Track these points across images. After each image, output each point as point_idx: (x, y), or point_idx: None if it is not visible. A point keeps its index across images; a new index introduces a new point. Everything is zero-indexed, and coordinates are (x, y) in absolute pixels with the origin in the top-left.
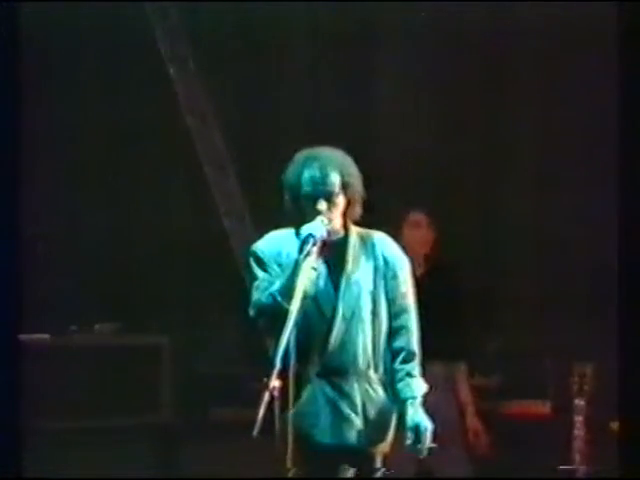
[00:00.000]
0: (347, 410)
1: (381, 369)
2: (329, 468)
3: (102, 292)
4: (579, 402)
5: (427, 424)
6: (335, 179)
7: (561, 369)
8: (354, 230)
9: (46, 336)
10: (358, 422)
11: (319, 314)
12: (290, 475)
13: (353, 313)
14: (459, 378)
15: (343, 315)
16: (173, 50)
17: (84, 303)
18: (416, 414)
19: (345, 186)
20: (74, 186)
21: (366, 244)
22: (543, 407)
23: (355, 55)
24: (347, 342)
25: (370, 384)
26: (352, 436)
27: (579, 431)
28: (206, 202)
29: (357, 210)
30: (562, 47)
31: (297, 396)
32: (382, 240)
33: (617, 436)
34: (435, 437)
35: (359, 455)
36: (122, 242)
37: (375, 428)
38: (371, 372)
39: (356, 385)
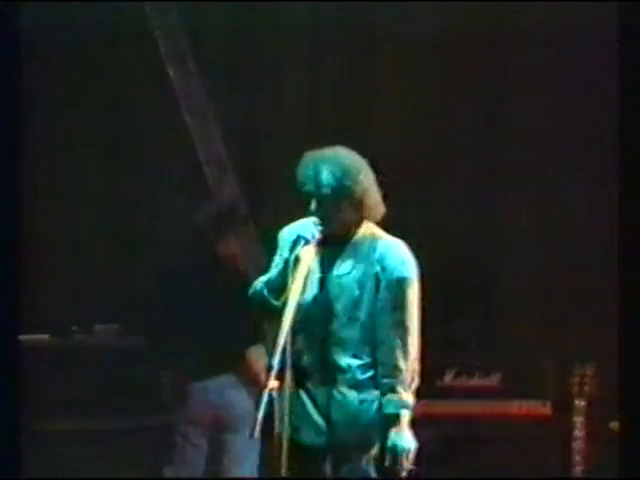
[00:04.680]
0: (311, 411)
1: (355, 372)
2: (298, 465)
3: (102, 293)
4: (579, 403)
5: (405, 445)
6: (327, 181)
7: (561, 369)
8: (361, 233)
9: (46, 337)
10: (321, 424)
11: (299, 312)
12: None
13: (328, 315)
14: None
15: (317, 315)
16: (173, 50)
17: (84, 304)
18: (396, 434)
19: (340, 189)
20: (74, 186)
21: (368, 249)
22: (543, 408)
23: (355, 55)
24: (315, 343)
25: (337, 387)
26: (314, 437)
27: (579, 432)
28: (205, 202)
29: (363, 214)
30: (562, 48)
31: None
32: (386, 247)
33: (617, 436)
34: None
35: (323, 455)
36: (122, 242)
37: (343, 431)
38: (339, 375)
39: (322, 387)
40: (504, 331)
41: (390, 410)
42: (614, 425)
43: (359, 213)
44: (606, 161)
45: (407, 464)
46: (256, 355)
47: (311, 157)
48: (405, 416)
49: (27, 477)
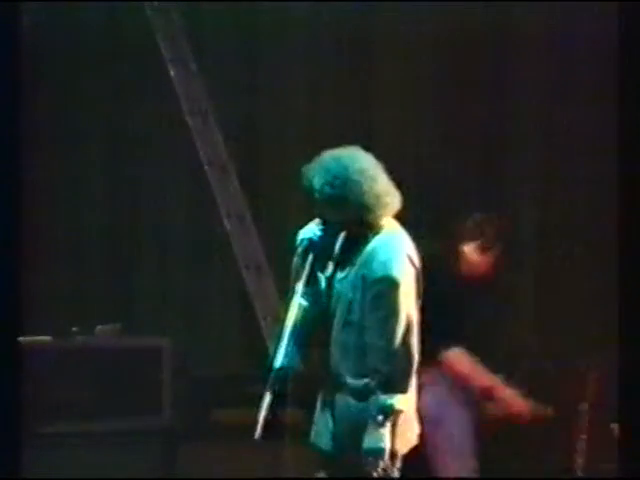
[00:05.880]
0: (327, 417)
1: (353, 379)
2: (317, 468)
3: (103, 294)
4: (581, 405)
5: (377, 445)
6: (317, 186)
7: (563, 371)
8: (364, 234)
9: (47, 338)
10: (334, 429)
11: (312, 318)
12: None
13: (332, 320)
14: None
15: (324, 321)
16: (174, 51)
17: (85, 305)
18: (369, 435)
19: (323, 194)
20: (74, 186)
21: (367, 249)
22: (545, 410)
23: (356, 56)
24: (323, 350)
25: (343, 393)
26: (328, 442)
27: (581, 434)
28: (206, 202)
29: (362, 215)
30: (562, 48)
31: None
32: (375, 246)
33: (617, 437)
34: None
35: (337, 461)
36: (123, 243)
37: (350, 437)
38: (343, 381)
39: (330, 395)
40: (505, 332)
41: (369, 411)
42: (615, 427)
43: (355, 214)
44: (607, 160)
45: (382, 463)
46: (458, 357)
47: (314, 161)
48: (381, 418)
49: (27, 478)
